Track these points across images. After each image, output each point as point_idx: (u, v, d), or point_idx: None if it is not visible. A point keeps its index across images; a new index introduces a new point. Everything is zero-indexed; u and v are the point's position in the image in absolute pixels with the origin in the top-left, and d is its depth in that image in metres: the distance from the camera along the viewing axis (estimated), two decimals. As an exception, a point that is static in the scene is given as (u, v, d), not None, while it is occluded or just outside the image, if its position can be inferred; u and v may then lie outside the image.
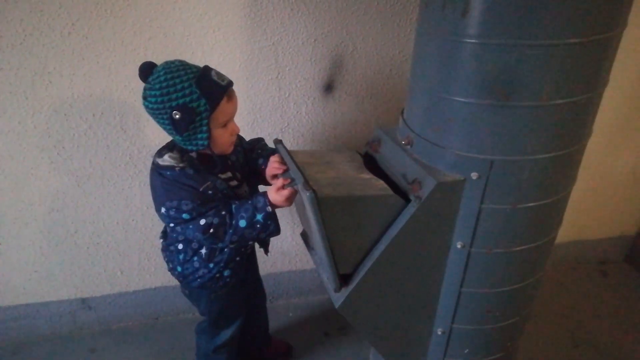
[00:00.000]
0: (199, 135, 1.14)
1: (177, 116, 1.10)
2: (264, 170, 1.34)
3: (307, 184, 1.03)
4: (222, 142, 1.20)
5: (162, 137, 1.60)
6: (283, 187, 1.17)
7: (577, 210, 2.15)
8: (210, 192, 1.20)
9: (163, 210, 1.18)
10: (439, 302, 1.27)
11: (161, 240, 1.40)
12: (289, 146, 1.68)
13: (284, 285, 2.01)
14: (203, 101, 1.10)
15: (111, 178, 1.66)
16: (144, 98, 1.13)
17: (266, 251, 1.51)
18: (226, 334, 1.52)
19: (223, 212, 1.19)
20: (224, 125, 1.18)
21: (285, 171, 1.21)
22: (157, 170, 1.19)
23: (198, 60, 1.52)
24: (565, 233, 2.22)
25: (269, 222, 1.20)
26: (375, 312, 1.26)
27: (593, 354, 1.88)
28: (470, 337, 1.31)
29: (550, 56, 0.92)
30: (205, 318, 1.52)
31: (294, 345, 1.83)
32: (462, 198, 1.09)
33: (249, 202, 1.21)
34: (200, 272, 1.33)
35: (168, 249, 1.36)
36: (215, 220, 1.17)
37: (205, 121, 1.13)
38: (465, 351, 1.33)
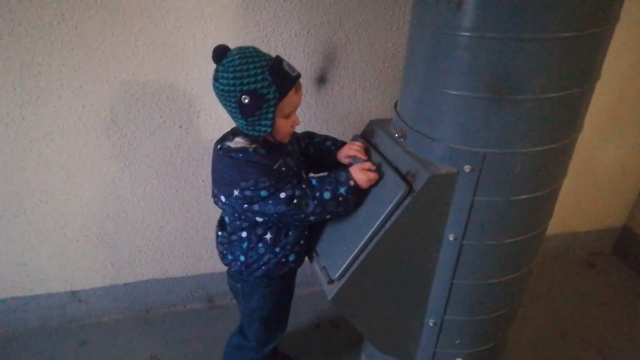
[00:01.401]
0: (263, 122, 1.16)
1: (246, 100, 1.12)
2: (333, 151, 1.38)
3: (403, 177, 1.13)
4: (283, 131, 1.21)
5: (152, 127, 1.61)
6: (369, 170, 1.21)
7: (566, 203, 2.17)
8: (284, 169, 1.21)
9: (237, 192, 1.18)
10: (431, 294, 1.28)
11: (219, 232, 1.37)
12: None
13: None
14: (273, 89, 1.12)
15: (101, 170, 1.64)
16: (215, 79, 1.15)
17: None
18: (278, 337, 1.52)
19: (303, 186, 1.20)
20: (288, 116, 1.20)
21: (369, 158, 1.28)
22: (227, 154, 1.19)
23: (189, 51, 1.51)
24: (554, 225, 2.24)
25: (349, 196, 1.20)
26: (368, 304, 1.26)
27: (580, 344, 1.91)
28: (462, 328, 1.33)
29: (544, 50, 0.93)
30: (241, 329, 1.51)
31: (293, 353, 1.81)
32: (455, 190, 1.10)
33: (331, 175, 1.23)
34: (266, 258, 1.30)
35: (229, 240, 1.33)
36: (297, 192, 1.18)
37: (272, 109, 1.14)
38: (457, 342, 1.35)
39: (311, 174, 1.31)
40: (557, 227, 2.26)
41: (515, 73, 0.95)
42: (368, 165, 1.22)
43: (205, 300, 2.02)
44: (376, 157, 1.24)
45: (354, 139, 1.38)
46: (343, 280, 1.20)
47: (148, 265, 1.89)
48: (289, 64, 1.17)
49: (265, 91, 1.12)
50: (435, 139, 1.10)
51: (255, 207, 1.18)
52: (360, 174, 1.20)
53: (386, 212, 1.13)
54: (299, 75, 1.18)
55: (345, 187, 1.19)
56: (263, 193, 1.17)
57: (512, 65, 0.95)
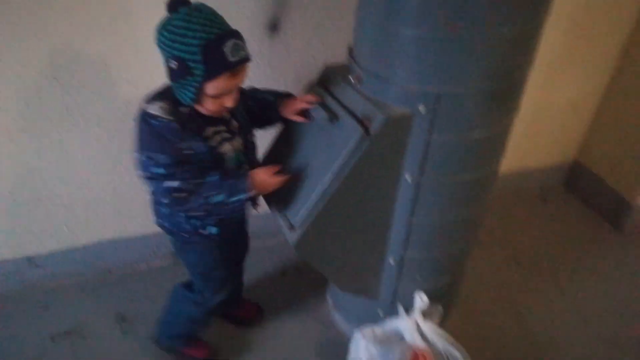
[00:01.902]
0: (187, 93, 1.10)
1: (173, 65, 1.06)
2: (275, 106, 1.33)
3: (360, 121, 1.10)
4: (211, 108, 1.14)
5: (99, 85, 1.53)
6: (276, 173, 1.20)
7: (519, 141, 2.23)
8: (189, 152, 1.13)
9: (137, 155, 1.13)
10: (391, 233, 1.31)
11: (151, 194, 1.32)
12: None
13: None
14: (201, 67, 1.04)
15: (47, 131, 1.56)
16: (157, 30, 1.07)
17: (255, 205, 1.41)
18: (224, 293, 1.48)
19: (197, 181, 1.14)
20: (215, 97, 1.11)
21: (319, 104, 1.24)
22: (143, 117, 1.12)
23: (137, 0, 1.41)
24: (508, 163, 2.31)
25: (243, 206, 1.21)
26: (330, 247, 1.28)
27: (535, 274, 2.02)
28: (421, 264, 1.37)
29: (494, -17, 0.92)
30: (189, 280, 1.48)
31: (262, 302, 1.84)
32: (411, 131, 1.11)
33: (230, 180, 1.17)
34: (187, 227, 1.29)
35: (153, 202, 1.31)
36: (185, 186, 1.13)
37: (196, 84, 1.07)
38: (417, 277, 1.40)
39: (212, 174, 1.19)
40: (512, 164, 2.33)
41: (467, 8, 0.94)
42: (276, 168, 1.21)
43: (168, 257, 2.01)
44: (332, 103, 1.22)
45: (308, 85, 1.36)
46: (304, 226, 1.21)
47: (106, 226, 1.85)
48: (236, 46, 1.06)
49: (192, 65, 1.04)
50: (390, 81, 1.09)
51: (144, 178, 1.15)
52: (265, 179, 1.19)
53: (344, 156, 1.13)
54: (242, 61, 1.08)
55: (240, 197, 1.17)
56: (158, 169, 1.12)
57: (464, 3, 0.94)
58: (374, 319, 1.54)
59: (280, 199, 1.32)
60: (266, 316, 1.79)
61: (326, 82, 1.31)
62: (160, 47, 1.07)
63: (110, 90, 1.55)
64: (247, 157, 1.31)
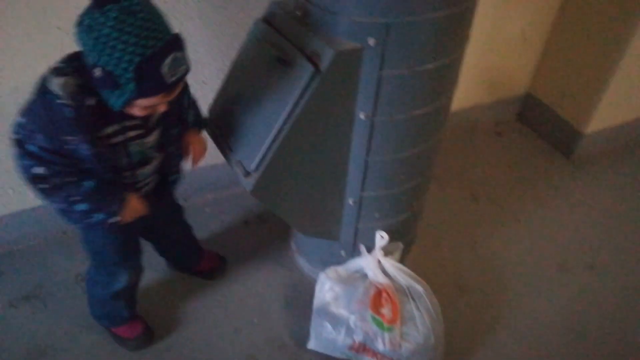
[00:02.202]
0: (111, 100, 0.94)
1: (97, 74, 0.90)
2: (187, 128, 1.27)
3: (308, 58, 1.04)
4: (138, 114, 1.00)
5: (28, 31, 1.41)
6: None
7: (472, 76, 2.24)
8: (70, 147, 0.98)
9: (18, 119, 0.98)
10: (348, 174, 1.30)
11: None
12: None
13: (196, 181, 1.97)
14: (132, 85, 0.90)
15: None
16: (79, 29, 0.89)
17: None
18: (123, 278, 1.37)
19: (68, 179, 1.02)
20: (145, 108, 0.99)
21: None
22: (42, 86, 0.95)
23: None
24: (462, 99, 2.33)
25: (95, 223, 1.10)
26: (288, 191, 1.27)
27: (490, 206, 2.08)
28: (379, 202, 1.38)
29: None
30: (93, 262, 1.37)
31: (226, 252, 1.81)
32: (362, 66, 1.08)
33: (104, 196, 1.07)
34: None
35: None
36: (51, 178, 1.00)
37: (123, 98, 0.92)
38: (376, 215, 1.41)
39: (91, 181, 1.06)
40: (465, 101, 2.35)
41: None
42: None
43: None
44: (279, 40, 1.17)
45: (256, 23, 1.28)
46: (259, 171, 1.18)
47: (55, 186, 1.77)
48: (174, 62, 0.91)
49: (122, 81, 0.89)
50: (337, 13, 1.04)
51: (15, 148, 1.01)
52: (138, 207, 1.16)
53: (295, 97, 1.09)
54: (180, 79, 0.95)
55: (105, 217, 1.09)
56: (31, 147, 0.98)
57: None
58: (337, 260, 1.56)
59: (234, 145, 1.28)
60: (231, 266, 1.78)
61: (272, 17, 1.24)
62: (81, 47, 0.91)
63: (39, 37, 1.43)
64: (159, 150, 1.18)
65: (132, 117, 1.03)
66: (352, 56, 1.05)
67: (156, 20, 0.89)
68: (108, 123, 1.02)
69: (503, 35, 2.17)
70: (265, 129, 1.16)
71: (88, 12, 0.87)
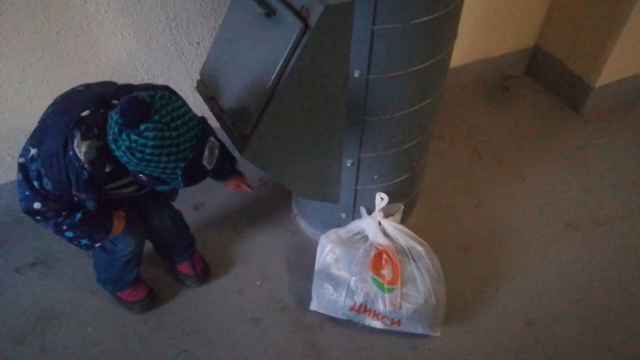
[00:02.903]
0: (159, 189, 1.15)
1: (143, 178, 1.01)
2: (227, 175, 1.46)
3: (298, 13, 1.02)
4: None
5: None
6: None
7: (479, 29, 2.15)
8: (77, 199, 1.11)
9: (30, 148, 1.07)
10: (345, 135, 1.27)
11: None
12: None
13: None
14: (179, 181, 1.01)
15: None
16: (121, 150, 0.95)
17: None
18: (127, 246, 1.38)
19: (65, 213, 1.13)
20: None
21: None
22: (64, 140, 1.02)
23: None
24: (468, 53, 2.25)
25: (83, 248, 1.24)
26: (283, 154, 1.24)
27: (495, 164, 2.04)
28: (378, 164, 1.35)
29: None
30: None
31: (228, 215, 1.81)
32: (353, 21, 1.03)
33: (94, 227, 1.20)
34: None
35: None
36: (45, 213, 1.12)
37: (170, 188, 1.06)
38: (375, 177, 1.39)
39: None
40: (472, 54, 2.26)
41: None
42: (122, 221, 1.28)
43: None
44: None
45: None
46: (252, 134, 1.15)
47: (54, 153, 1.76)
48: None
49: (169, 179, 1.01)
50: (325, -35, 0.98)
51: (18, 173, 1.11)
52: (118, 226, 1.26)
53: (285, 55, 1.05)
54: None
55: (87, 243, 1.21)
56: (34, 182, 1.08)
57: None
58: (338, 223, 1.55)
59: (226, 108, 1.25)
60: (234, 229, 1.79)
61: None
62: (125, 162, 0.98)
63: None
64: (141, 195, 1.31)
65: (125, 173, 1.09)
66: (342, 10, 1.00)
67: (187, 120, 0.96)
68: (112, 180, 1.12)
69: (510, -16, 2.07)
70: (256, 90, 1.12)
71: (123, 134, 0.93)
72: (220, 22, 1.48)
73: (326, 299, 1.47)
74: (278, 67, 1.06)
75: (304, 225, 1.77)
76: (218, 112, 1.27)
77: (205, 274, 1.63)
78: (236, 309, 1.58)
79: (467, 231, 1.79)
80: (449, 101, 2.29)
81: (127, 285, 1.52)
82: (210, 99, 1.29)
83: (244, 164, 1.97)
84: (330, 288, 1.46)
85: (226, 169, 1.45)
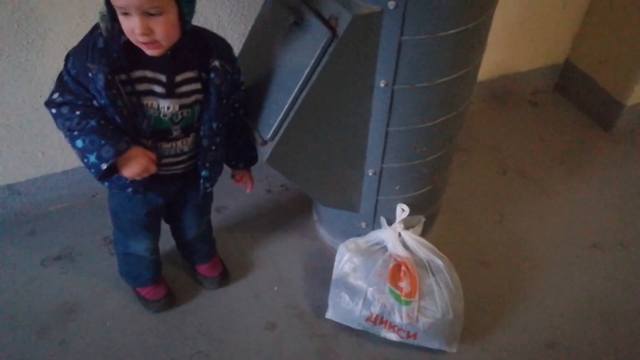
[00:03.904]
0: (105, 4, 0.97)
1: None
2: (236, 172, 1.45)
3: (326, 22, 1.02)
4: (125, 32, 0.96)
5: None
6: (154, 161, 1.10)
7: (508, 43, 2.13)
8: (90, 74, 0.98)
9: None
10: (368, 144, 1.27)
11: None
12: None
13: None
14: None
15: (2, 51, 1.47)
16: None
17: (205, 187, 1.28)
18: (135, 247, 1.39)
19: (78, 112, 1.02)
20: (124, 14, 0.93)
21: None
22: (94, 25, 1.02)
23: None
24: (496, 67, 2.23)
25: (92, 170, 1.05)
26: (306, 161, 1.25)
27: (519, 179, 2.01)
28: (400, 174, 1.35)
29: None
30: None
31: (248, 220, 1.82)
32: (381, 31, 1.03)
33: (104, 139, 1.02)
34: None
35: None
36: (65, 110, 1.02)
37: None
38: (396, 188, 1.38)
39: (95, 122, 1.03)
40: (500, 69, 2.24)
41: None
42: (153, 156, 1.09)
43: (152, 179, 1.98)
44: (297, 3, 1.13)
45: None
46: (276, 139, 1.16)
47: (83, 150, 1.80)
48: None
49: None
50: (356, -25, 0.99)
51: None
52: (138, 162, 1.06)
53: (312, 62, 1.06)
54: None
55: (95, 161, 1.03)
56: (62, 74, 1.05)
57: None
58: (358, 232, 1.54)
59: (252, 113, 1.26)
60: (253, 233, 1.80)
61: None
62: None
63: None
64: (184, 133, 1.15)
65: (159, 65, 1.03)
66: (370, 20, 1.01)
67: None
68: (132, 69, 1.02)
69: (541, -1, 2.05)
70: (282, 96, 1.13)
71: None
72: (249, 28, 1.50)
73: (342, 308, 1.47)
74: (304, 75, 1.07)
75: (323, 232, 1.77)
76: (244, 116, 1.29)
77: (224, 277, 1.64)
78: (252, 312, 1.58)
79: (488, 247, 1.76)
80: (475, 114, 2.26)
81: (146, 283, 1.54)
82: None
83: (267, 170, 2.00)
84: (347, 297, 1.45)
85: (252, 156, 1.37)
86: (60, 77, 1.06)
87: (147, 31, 0.93)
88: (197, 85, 1.09)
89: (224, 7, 1.58)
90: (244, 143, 1.31)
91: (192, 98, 1.10)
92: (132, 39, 0.96)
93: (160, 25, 0.94)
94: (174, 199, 1.34)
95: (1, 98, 1.57)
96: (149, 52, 0.98)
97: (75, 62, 1.01)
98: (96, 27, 1.00)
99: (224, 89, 1.11)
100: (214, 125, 1.15)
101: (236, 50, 1.34)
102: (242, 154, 1.36)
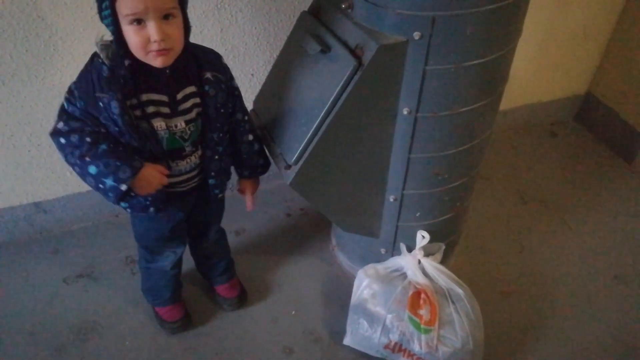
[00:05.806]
0: (105, 22, 0.97)
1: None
2: (241, 182, 1.42)
3: (352, 51, 1.05)
4: (134, 46, 0.96)
5: (85, 23, 1.47)
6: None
7: (528, 74, 2.15)
8: (100, 103, 0.99)
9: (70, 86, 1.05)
10: (389, 170, 1.28)
11: None
12: (226, 24, 1.57)
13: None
14: None
15: (38, 73, 1.53)
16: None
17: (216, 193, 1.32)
18: (162, 262, 1.43)
19: (88, 139, 1.02)
20: (136, 23, 0.93)
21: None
22: (92, 55, 1.03)
23: None
24: (517, 97, 2.24)
25: (110, 194, 1.06)
26: (328, 185, 1.26)
27: (540, 209, 2.00)
28: (421, 201, 1.35)
29: None
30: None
31: (267, 243, 1.83)
32: (406, 60, 1.06)
33: (119, 161, 1.03)
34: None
35: None
36: (72, 137, 1.02)
37: (106, 3, 0.92)
38: (417, 214, 1.38)
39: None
40: (520, 99, 2.26)
41: None
42: (164, 170, 1.12)
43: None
44: (324, 33, 1.16)
45: (302, 15, 1.28)
46: (299, 164, 1.18)
47: (109, 171, 1.85)
48: None
49: None
50: (382, 6, 1.02)
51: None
52: (151, 176, 1.08)
53: (337, 90, 1.08)
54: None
55: (113, 184, 1.04)
56: (65, 105, 1.04)
57: None
58: (377, 258, 1.54)
59: (276, 137, 1.29)
60: (272, 256, 1.81)
61: (318, 10, 1.24)
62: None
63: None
64: (194, 146, 1.17)
65: (163, 86, 1.05)
66: (396, 50, 1.03)
67: None
68: (137, 93, 1.03)
69: (563, 30, 2.07)
70: (307, 121, 1.16)
71: None
72: (275, 55, 1.54)
73: (361, 335, 1.45)
74: (330, 102, 1.10)
75: (342, 257, 1.77)
76: (268, 141, 1.31)
77: (242, 299, 1.65)
78: (269, 336, 1.58)
79: (508, 277, 1.74)
80: (496, 143, 2.27)
81: (165, 303, 1.55)
82: (262, 129, 1.34)
83: (287, 193, 2.02)
84: (365, 324, 1.44)
85: (258, 165, 1.37)
86: (62, 109, 1.05)
87: (165, 36, 0.94)
88: (197, 99, 1.13)
89: (251, 35, 1.63)
90: (247, 150, 1.32)
91: (194, 112, 1.13)
92: (141, 53, 0.97)
93: (175, 29, 0.97)
94: (192, 210, 1.37)
95: (33, 119, 1.62)
96: (160, 61, 0.98)
97: (81, 94, 1.01)
98: (94, 56, 1.01)
99: (220, 99, 1.15)
100: (215, 136, 1.19)
101: (262, 78, 1.38)
102: (246, 162, 1.35)
